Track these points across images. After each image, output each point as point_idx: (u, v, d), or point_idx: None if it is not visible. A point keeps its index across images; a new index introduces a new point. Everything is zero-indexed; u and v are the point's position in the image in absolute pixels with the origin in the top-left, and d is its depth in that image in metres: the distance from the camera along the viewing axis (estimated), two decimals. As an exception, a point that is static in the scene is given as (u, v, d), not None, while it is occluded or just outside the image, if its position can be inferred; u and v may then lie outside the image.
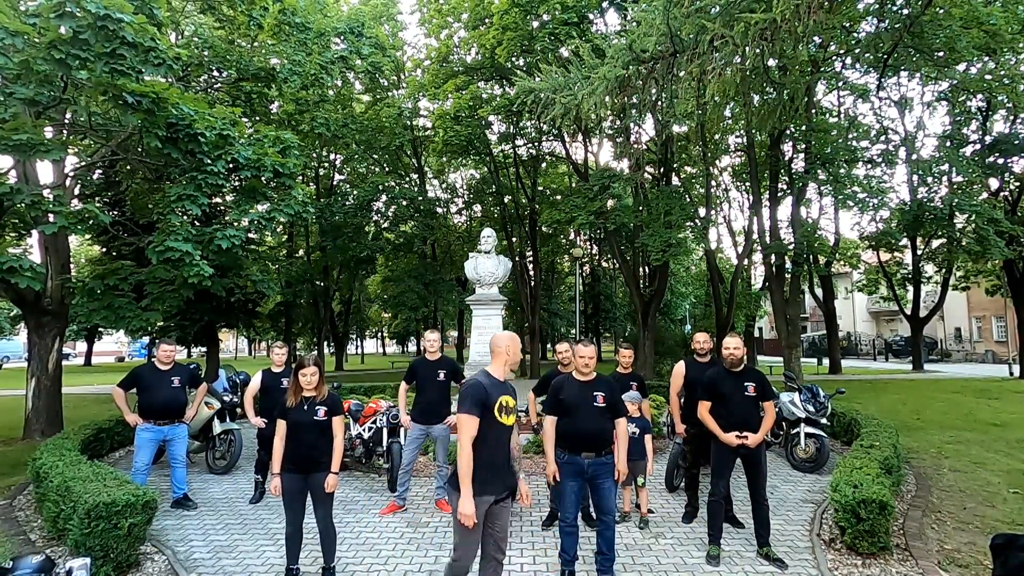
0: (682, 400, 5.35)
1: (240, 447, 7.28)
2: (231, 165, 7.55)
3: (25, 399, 9.59)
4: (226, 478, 6.92)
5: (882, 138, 17.34)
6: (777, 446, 7.75)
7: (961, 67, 14.87)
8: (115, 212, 12.87)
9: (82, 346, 38.78)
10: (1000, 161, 17.76)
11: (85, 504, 3.97)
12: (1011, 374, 20.01)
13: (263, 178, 8.01)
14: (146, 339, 40.72)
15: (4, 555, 4.52)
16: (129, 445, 8.36)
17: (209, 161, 7.23)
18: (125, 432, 8.39)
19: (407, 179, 24.39)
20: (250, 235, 9.64)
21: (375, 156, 22.66)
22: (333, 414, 3.91)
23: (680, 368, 5.37)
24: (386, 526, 5.15)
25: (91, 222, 7.34)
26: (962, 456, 7.58)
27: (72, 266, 10.81)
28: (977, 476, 6.68)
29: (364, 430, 6.79)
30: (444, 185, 29.55)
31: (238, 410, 7.79)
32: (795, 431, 7.17)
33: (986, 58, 14.57)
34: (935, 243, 20.92)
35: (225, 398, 7.32)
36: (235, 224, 8.29)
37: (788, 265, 16.90)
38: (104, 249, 17.31)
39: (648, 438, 5.06)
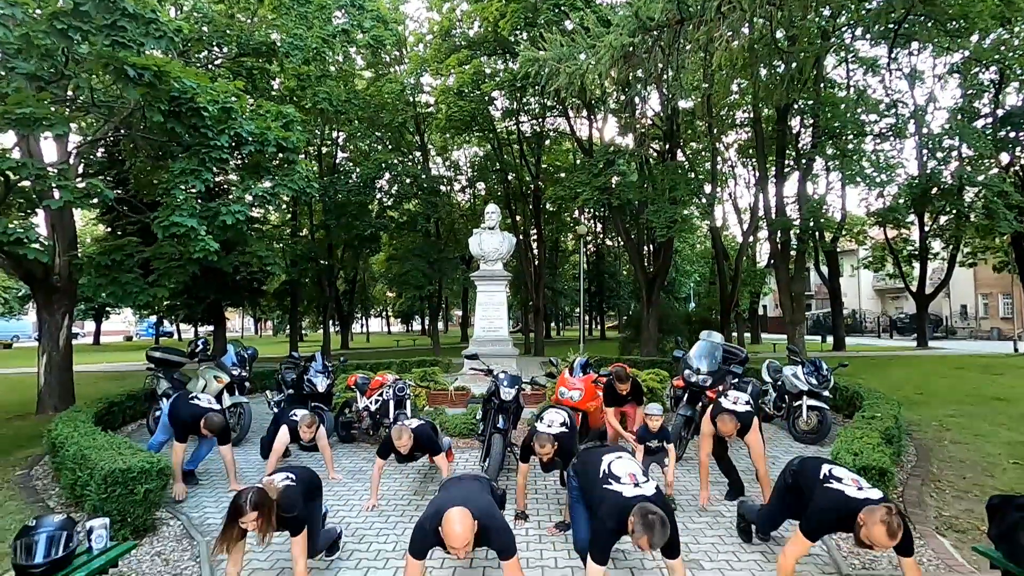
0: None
1: (249, 420, 7.42)
2: (235, 140, 7.52)
3: (37, 376, 9.75)
4: (236, 450, 7.03)
5: (891, 112, 17.06)
6: (780, 419, 7.83)
7: (974, 38, 14.55)
8: (119, 191, 12.87)
9: (90, 326, 39.13)
10: (1012, 135, 17.47)
11: (102, 471, 4.08)
12: (1016, 350, 19.97)
13: (267, 153, 7.97)
14: (153, 319, 41.17)
15: (24, 522, 4.68)
16: (141, 419, 8.55)
17: (212, 135, 7.21)
18: (136, 407, 8.56)
19: (410, 157, 24.21)
20: (254, 211, 9.65)
21: (378, 133, 22.48)
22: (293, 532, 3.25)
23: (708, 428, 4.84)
24: (394, 494, 5.27)
25: (96, 199, 7.38)
26: (964, 429, 7.62)
27: (78, 245, 10.87)
28: (978, 448, 6.72)
29: (371, 403, 6.89)
30: (447, 163, 29.36)
31: (247, 384, 7.93)
32: (797, 404, 7.23)
33: (1000, 29, 14.26)
34: (943, 219, 20.72)
35: (234, 372, 7.42)
36: (240, 200, 8.30)
37: (793, 242, 16.82)
38: (109, 228, 17.38)
39: (671, 448, 4.87)
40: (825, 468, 3.23)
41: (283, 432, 5.24)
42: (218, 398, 7.34)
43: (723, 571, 3.72)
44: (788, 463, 3.66)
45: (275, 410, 7.87)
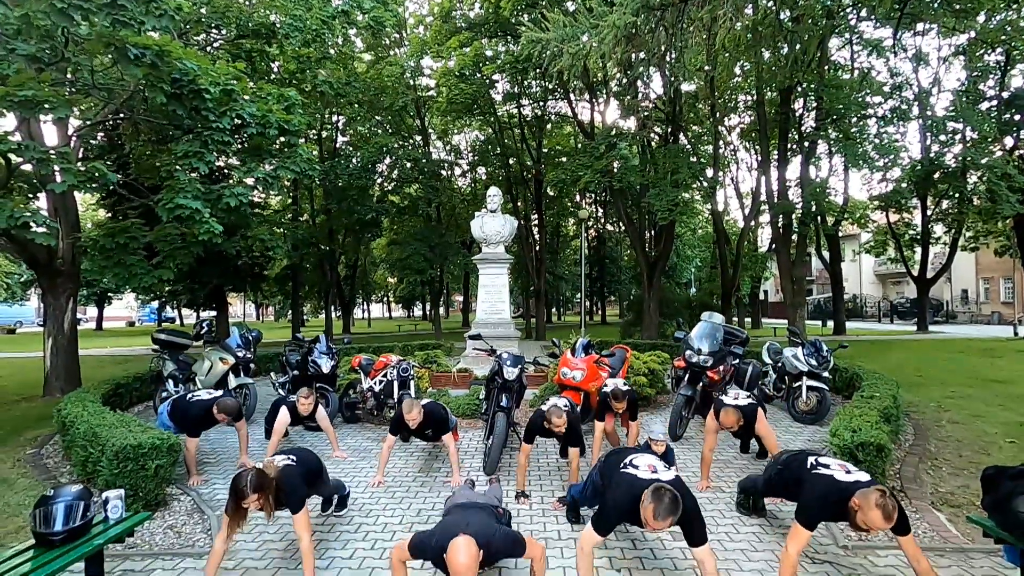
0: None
1: (255, 401, 7.50)
2: (237, 122, 7.50)
3: (43, 359, 9.85)
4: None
5: (896, 94, 16.92)
6: (779, 400, 7.91)
7: (981, 18, 14.37)
8: (120, 175, 12.85)
9: (93, 311, 39.25)
10: (1017, 117, 17.34)
11: (114, 447, 4.16)
12: (1016, 334, 20.05)
13: (268, 135, 7.96)
14: (155, 304, 41.30)
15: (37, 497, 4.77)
16: (147, 401, 8.64)
17: (214, 118, 7.19)
18: (143, 388, 8.65)
19: (411, 141, 24.09)
20: (257, 194, 9.62)
21: (378, 117, 22.34)
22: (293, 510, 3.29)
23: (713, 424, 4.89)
24: (399, 471, 5.36)
25: (97, 183, 7.37)
26: (962, 409, 7.69)
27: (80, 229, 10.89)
28: (975, 427, 6.80)
29: (375, 383, 6.97)
30: (448, 147, 29.21)
31: (251, 366, 8.00)
32: (797, 385, 7.30)
33: (1008, 10, 14.08)
34: (945, 203, 20.67)
35: (239, 353, 7.49)
36: (241, 183, 8.29)
37: (795, 225, 16.79)
38: (110, 213, 17.37)
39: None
40: (811, 459, 3.28)
41: (283, 412, 5.31)
42: (224, 379, 7.45)
43: (722, 542, 3.80)
44: (773, 460, 3.71)
45: (280, 392, 7.97)
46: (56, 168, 6.89)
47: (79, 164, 8.87)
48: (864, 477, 2.99)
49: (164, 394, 7.84)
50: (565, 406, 4.56)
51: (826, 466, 3.13)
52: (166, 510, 4.38)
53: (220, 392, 5.61)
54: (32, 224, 6.10)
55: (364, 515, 4.31)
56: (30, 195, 11.25)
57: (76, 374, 9.93)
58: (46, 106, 6.01)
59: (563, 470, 5.27)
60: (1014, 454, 5.71)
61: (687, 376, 6.46)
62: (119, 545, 3.53)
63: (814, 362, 7.19)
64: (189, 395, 5.43)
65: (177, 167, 7.23)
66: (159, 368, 8.14)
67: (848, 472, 3.05)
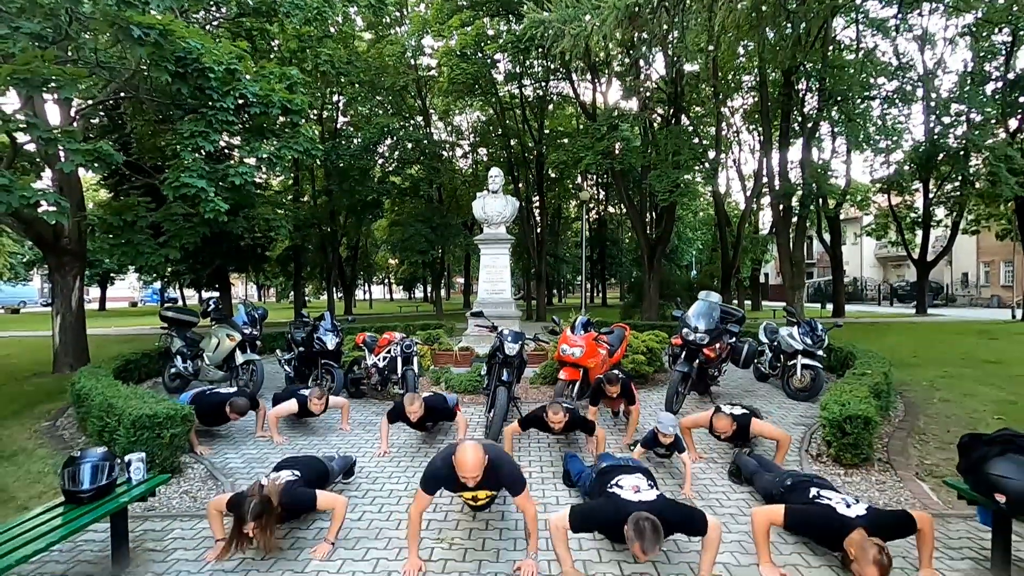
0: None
1: (262, 377, 7.68)
2: (240, 101, 7.55)
3: (52, 337, 10.01)
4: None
5: (899, 75, 16.81)
6: (775, 378, 8.08)
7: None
8: (121, 154, 12.90)
9: (95, 292, 39.41)
10: (1022, 99, 17.23)
11: (130, 416, 4.33)
12: (1014, 317, 20.18)
13: (272, 115, 8.00)
14: (158, 285, 41.46)
15: (56, 465, 4.97)
16: (156, 377, 8.84)
17: (218, 97, 7.24)
18: (151, 365, 8.84)
19: (411, 121, 23.99)
20: (259, 175, 9.67)
21: (378, 97, 22.22)
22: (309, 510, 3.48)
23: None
24: (404, 442, 5.54)
25: (103, 162, 7.43)
26: (954, 388, 7.84)
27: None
28: (965, 405, 6.95)
29: (379, 360, 7.13)
30: (449, 128, 29.06)
31: (258, 343, 8.17)
32: (792, 363, 7.45)
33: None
34: (947, 187, 20.63)
35: (245, 331, 7.65)
36: (242, 161, 8.36)
37: (796, 207, 16.83)
38: (112, 192, 17.42)
39: (685, 457, 4.65)
40: (814, 490, 3.37)
41: (292, 403, 5.59)
42: (231, 355, 7.62)
43: (714, 508, 3.99)
44: (779, 480, 3.75)
45: (286, 368, 8.16)
46: (61, 147, 6.99)
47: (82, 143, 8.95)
48: (862, 511, 3.03)
49: (173, 370, 8.03)
50: (567, 408, 4.64)
51: (828, 498, 3.22)
52: (181, 477, 4.57)
53: (233, 389, 5.97)
54: (44, 203, 6.20)
55: (371, 482, 4.50)
56: (31, 173, 11.33)
57: (84, 351, 10.11)
58: (53, 84, 6.07)
59: (560, 443, 5.45)
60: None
61: (684, 353, 6.61)
62: (140, 506, 3.72)
63: (809, 341, 7.33)
64: (207, 391, 5.73)
65: (180, 146, 7.29)
66: (167, 345, 8.31)
67: (848, 506, 3.09)
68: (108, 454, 3.07)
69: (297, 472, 3.66)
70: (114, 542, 3.13)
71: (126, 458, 3.27)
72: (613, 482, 3.37)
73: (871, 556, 2.66)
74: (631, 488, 3.22)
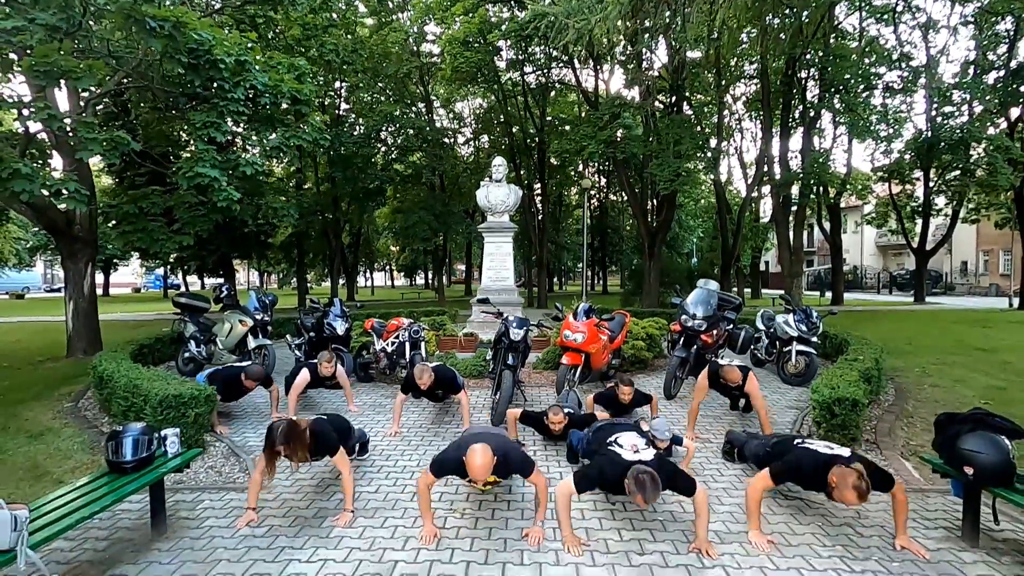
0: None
1: (274, 361, 7.92)
2: (250, 92, 7.70)
3: (65, 322, 10.24)
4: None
5: (901, 64, 16.84)
6: (771, 363, 8.31)
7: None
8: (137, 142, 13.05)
9: (100, 277, 39.71)
10: (1023, 89, 17.26)
11: (156, 396, 4.58)
12: (1011, 305, 20.37)
13: (281, 105, 8.16)
14: (161, 271, 41.68)
15: (84, 443, 5.24)
16: (169, 361, 9.08)
17: (228, 87, 7.39)
18: (164, 349, 9.09)
19: (414, 109, 24.02)
20: (267, 163, 9.81)
21: (381, 84, 22.23)
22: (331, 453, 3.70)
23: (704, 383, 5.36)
24: (413, 422, 5.80)
25: (118, 150, 7.61)
26: (945, 375, 8.05)
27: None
28: (954, 391, 7.17)
29: (388, 344, 7.37)
30: (451, 115, 29.05)
31: (269, 328, 8.41)
32: (787, 349, 7.68)
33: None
34: (948, 175, 20.72)
35: (257, 316, 7.88)
36: (247, 150, 8.52)
37: (796, 195, 16.97)
38: (117, 179, 17.57)
39: (689, 444, 4.70)
40: (797, 440, 3.64)
41: (304, 373, 5.80)
42: (243, 340, 7.86)
43: (708, 484, 4.24)
44: (766, 442, 4.06)
45: (297, 353, 8.40)
46: (77, 136, 7.15)
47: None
48: (845, 452, 3.22)
49: (187, 354, 8.28)
50: (568, 412, 4.83)
51: (812, 443, 3.46)
52: (205, 454, 4.83)
53: (247, 362, 6.14)
54: (64, 191, 6.39)
55: (384, 459, 4.76)
56: (40, 160, 11.48)
57: (97, 336, 10.34)
58: (71, 76, 6.23)
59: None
60: (985, 414, 6.10)
61: (682, 339, 6.84)
62: (170, 479, 3.97)
63: (804, 328, 7.55)
64: (223, 366, 5.93)
65: (194, 137, 7.46)
66: (181, 330, 8.55)
67: (830, 448, 3.31)
68: (147, 428, 3.31)
69: (324, 416, 3.95)
70: (153, 509, 3.39)
71: (162, 432, 3.52)
72: (612, 439, 3.61)
73: (850, 481, 2.87)
74: (630, 447, 3.45)
